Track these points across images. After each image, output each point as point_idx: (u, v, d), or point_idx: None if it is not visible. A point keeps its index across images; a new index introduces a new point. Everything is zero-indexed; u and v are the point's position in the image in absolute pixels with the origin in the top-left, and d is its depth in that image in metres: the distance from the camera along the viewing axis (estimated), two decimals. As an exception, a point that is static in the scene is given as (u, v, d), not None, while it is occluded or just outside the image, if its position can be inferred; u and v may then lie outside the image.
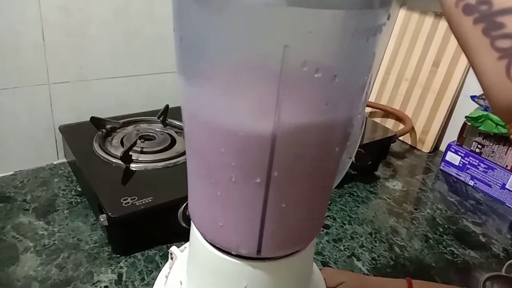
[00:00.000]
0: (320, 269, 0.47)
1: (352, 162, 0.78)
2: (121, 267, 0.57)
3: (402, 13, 1.08)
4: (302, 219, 0.33)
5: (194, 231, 0.36)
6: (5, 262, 0.56)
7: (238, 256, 0.33)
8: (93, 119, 0.74)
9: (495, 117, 0.81)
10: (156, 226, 0.60)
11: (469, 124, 0.87)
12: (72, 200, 0.69)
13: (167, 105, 0.82)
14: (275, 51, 0.23)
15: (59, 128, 0.76)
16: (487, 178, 0.87)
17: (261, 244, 0.32)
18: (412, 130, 1.04)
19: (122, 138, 0.74)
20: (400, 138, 1.04)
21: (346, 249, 0.66)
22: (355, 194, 0.81)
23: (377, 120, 1.12)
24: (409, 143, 1.06)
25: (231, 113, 0.26)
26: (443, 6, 0.26)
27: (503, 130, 0.80)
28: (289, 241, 0.33)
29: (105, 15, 0.75)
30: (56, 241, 0.60)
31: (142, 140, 0.74)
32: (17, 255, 0.57)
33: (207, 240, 0.34)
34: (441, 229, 0.74)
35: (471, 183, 0.90)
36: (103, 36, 0.76)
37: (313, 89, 0.26)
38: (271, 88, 0.25)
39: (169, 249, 0.45)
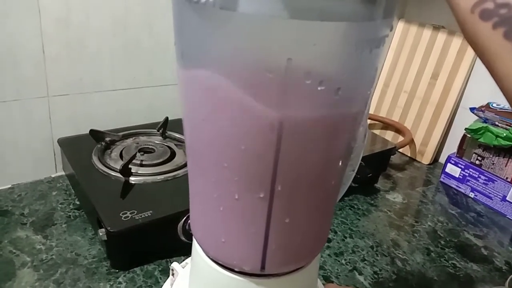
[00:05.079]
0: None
1: (353, 174, 0.78)
2: (120, 283, 0.56)
3: (400, 26, 1.08)
4: (306, 234, 0.32)
5: (195, 247, 0.35)
6: (2, 277, 0.55)
7: (242, 273, 0.32)
8: (92, 131, 0.74)
9: (494, 129, 0.81)
10: (156, 241, 0.59)
11: (469, 136, 0.87)
12: (70, 214, 0.68)
13: (167, 118, 0.82)
14: (278, 64, 0.23)
15: (58, 141, 0.75)
16: (487, 190, 0.86)
17: (265, 260, 0.31)
18: (411, 142, 1.04)
19: (121, 151, 0.74)
20: (400, 150, 1.04)
21: (348, 263, 0.65)
22: (355, 206, 0.81)
23: (377, 132, 1.12)
24: (409, 155, 1.06)
25: (234, 127, 0.26)
26: (457, 14, 0.25)
27: (503, 142, 0.80)
28: (293, 256, 0.33)
29: (105, 28, 0.75)
30: (54, 256, 0.59)
31: (142, 153, 0.73)
32: (14, 270, 0.56)
33: (209, 257, 0.34)
34: (442, 242, 0.73)
35: (472, 195, 0.90)
36: (103, 49, 0.76)
37: (317, 102, 0.25)
38: (274, 101, 0.24)
39: (168, 264, 0.44)
